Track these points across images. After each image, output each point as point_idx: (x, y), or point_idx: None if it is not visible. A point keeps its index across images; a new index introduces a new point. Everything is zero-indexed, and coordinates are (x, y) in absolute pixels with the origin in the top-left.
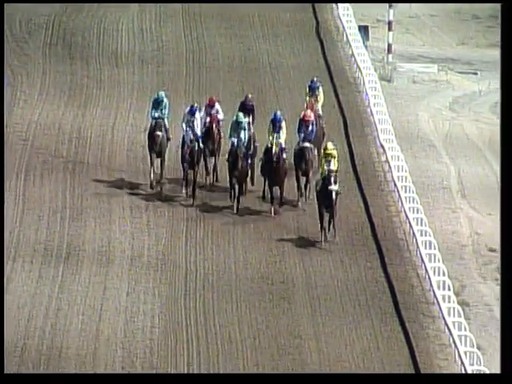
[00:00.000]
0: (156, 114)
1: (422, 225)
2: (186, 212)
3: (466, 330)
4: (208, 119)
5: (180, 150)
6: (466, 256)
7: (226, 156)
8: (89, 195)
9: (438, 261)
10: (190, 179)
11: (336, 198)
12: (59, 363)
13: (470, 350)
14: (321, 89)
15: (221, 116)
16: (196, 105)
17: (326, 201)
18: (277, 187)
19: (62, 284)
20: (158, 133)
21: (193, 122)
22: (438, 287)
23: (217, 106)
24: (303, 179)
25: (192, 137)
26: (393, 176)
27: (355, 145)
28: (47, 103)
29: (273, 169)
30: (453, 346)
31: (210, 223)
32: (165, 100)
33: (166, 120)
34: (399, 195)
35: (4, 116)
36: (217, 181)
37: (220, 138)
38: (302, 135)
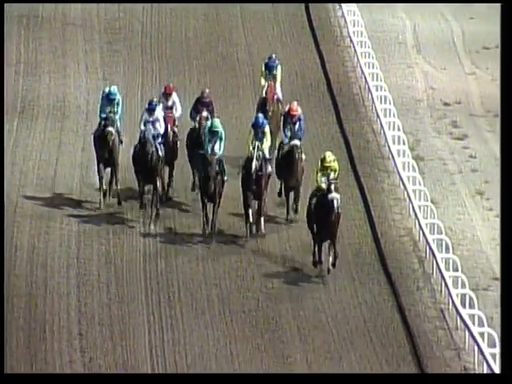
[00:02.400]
0: (106, 112)
1: (377, 80)
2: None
3: (420, 184)
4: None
5: (132, 160)
6: (421, 111)
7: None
8: (44, 50)
9: (393, 116)
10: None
11: (338, 213)
12: (15, 219)
13: (424, 204)
14: (279, 67)
15: (178, 112)
16: (155, 100)
17: (326, 218)
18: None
19: (17, 138)
20: (110, 137)
21: (153, 122)
22: (393, 142)
23: (174, 96)
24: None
25: (152, 141)
26: (348, 31)
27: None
28: None
29: (253, 182)
30: (407, 200)
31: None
32: (117, 96)
33: (118, 120)
34: (355, 50)
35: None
36: (169, 199)
37: (176, 143)
38: (289, 133)
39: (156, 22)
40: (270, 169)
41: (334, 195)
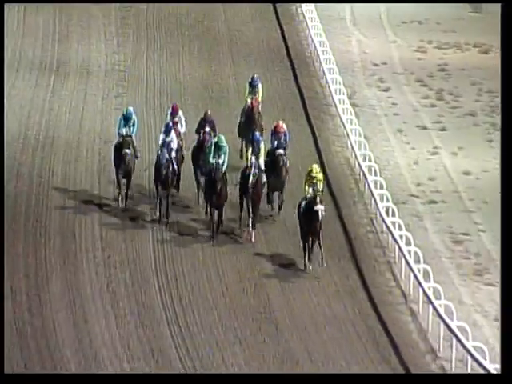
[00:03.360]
0: (124, 131)
1: (323, 46)
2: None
3: (355, 124)
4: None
5: (154, 171)
6: (356, 69)
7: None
8: (73, 24)
9: (336, 73)
10: (163, 202)
11: (321, 220)
12: (52, 149)
13: (359, 140)
14: (260, 85)
15: (183, 128)
16: (171, 123)
17: (311, 224)
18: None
19: (53, 90)
20: (127, 151)
21: (169, 142)
22: (335, 93)
23: (180, 113)
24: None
25: (167, 157)
26: (302, 9)
27: None
28: None
29: (251, 191)
30: (346, 136)
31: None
32: (133, 116)
33: (133, 137)
34: (307, 24)
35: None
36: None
37: (182, 156)
38: (276, 142)
39: (157, 4)
40: (264, 179)
41: (320, 207)
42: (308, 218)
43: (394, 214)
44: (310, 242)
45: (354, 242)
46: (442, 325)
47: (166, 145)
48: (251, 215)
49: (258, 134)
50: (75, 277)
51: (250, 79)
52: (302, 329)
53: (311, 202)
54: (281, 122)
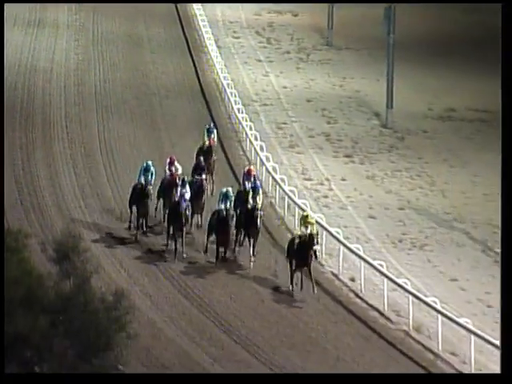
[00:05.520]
0: (142, 179)
1: (200, 12)
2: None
3: (219, 58)
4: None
5: (167, 214)
6: (220, 25)
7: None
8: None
9: (207, 27)
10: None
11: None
12: (35, 72)
13: (222, 68)
14: (215, 131)
15: (179, 171)
16: (186, 178)
17: (303, 259)
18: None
19: (36, 36)
20: (147, 201)
21: (185, 193)
22: (208, 39)
23: (176, 163)
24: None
25: (185, 206)
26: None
27: None
28: None
29: (253, 225)
30: (213, 65)
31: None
32: (152, 169)
33: (151, 186)
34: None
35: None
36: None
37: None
38: (248, 184)
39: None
40: (262, 213)
41: (317, 247)
42: (303, 254)
43: (242, 112)
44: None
45: (218, 126)
46: (270, 179)
47: (182, 195)
48: (253, 246)
49: (258, 182)
50: None
51: (207, 126)
52: None
53: (307, 242)
54: (252, 167)
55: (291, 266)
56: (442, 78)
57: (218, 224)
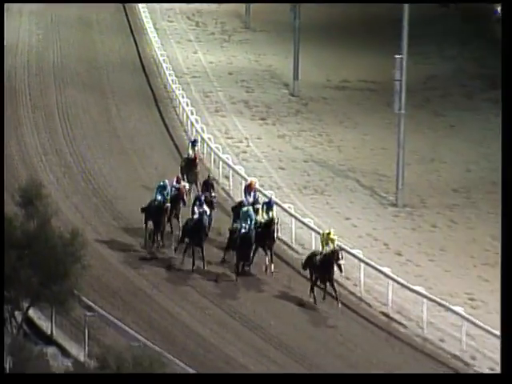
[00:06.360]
0: (159, 197)
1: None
2: None
3: (156, 38)
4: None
5: (193, 231)
6: (157, 12)
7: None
8: None
9: (147, 13)
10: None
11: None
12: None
13: (159, 46)
14: (199, 143)
15: (186, 187)
16: (203, 196)
17: (327, 273)
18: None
19: (20, 22)
20: (162, 217)
21: (205, 212)
22: (147, 23)
23: (182, 182)
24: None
25: (206, 225)
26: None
27: None
28: None
29: (271, 236)
30: (152, 44)
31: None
32: (168, 187)
33: (168, 204)
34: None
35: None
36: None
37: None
38: (251, 199)
39: None
40: (278, 227)
41: (343, 262)
42: (327, 269)
43: (175, 82)
44: (323, 285)
45: (155, 94)
46: (199, 137)
47: (203, 213)
48: (270, 255)
49: (272, 199)
50: None
51: (192, 140)
52: None
53: (330, 257)
54: (253, 181)
55: (312, 279)
56: (339, 56)
57: (241, 241)
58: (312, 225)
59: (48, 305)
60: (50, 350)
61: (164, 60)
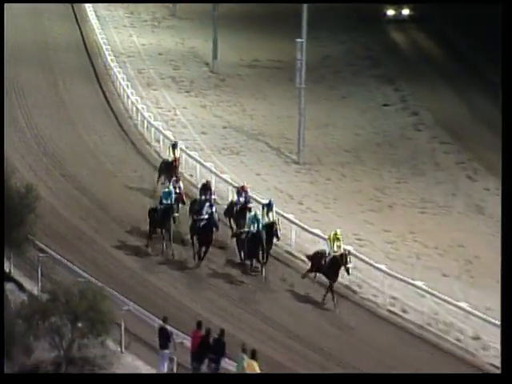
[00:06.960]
0: (166, 202)
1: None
2: None
3: (98, 24)
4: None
5: (203, 232)
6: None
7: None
8: None
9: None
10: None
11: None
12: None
13: (100, 31)
14: (179, 147)
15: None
16: (213, 201)
17: (336, 276)
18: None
19: (13, 13)
20: (170, 221)
21: (214, 213)
22: (90, 12)
23: (180, 182)
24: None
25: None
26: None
27: None
28: None
29: (274, 236)
30: (96, 30)
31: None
32: (173, 193)
33: (175, 210)
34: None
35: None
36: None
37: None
38: (242, 199)
39: None
40: (279, 227)
41: (351, 265)
42: (334, 270)
43: (113, 61)
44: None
45: (97, 72)
46: (134, 108)
47: (213, 215)
48: (266, 257)
49: (271, 200)
50: None
51: (172, 143)
52: None
53: (339, 259)
54: (245, 184)
55: (329, 286)
56: (251, 40)
57: (252, 242)
58: (229, 179)
59: (7, 247)
60: (9, 286)
61: (104, 42)
